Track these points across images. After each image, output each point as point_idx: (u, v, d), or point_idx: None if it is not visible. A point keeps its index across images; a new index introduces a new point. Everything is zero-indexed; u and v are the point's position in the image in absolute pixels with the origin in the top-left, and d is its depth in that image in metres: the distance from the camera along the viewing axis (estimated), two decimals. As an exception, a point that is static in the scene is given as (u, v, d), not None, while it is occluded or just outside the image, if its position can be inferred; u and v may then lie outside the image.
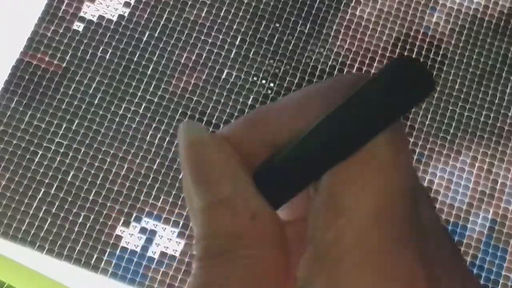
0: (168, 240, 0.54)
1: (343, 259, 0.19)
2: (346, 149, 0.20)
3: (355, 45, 0.60)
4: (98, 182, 0.55)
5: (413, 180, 0.21)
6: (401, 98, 0.20)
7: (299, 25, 0.60)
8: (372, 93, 0.20)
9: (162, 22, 0.59)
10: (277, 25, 0.60)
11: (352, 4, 0.60)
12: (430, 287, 0.19)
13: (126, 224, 0.54)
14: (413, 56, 0.59)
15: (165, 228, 0.54)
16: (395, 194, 0.20)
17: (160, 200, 0.55)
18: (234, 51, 0.59)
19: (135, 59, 0.58)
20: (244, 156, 0.22)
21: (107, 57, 0.58)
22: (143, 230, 0.54)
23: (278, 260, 0.21)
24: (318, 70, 0.59)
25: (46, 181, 0.55)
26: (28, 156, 0.55)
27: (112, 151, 0.56)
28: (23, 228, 0.54)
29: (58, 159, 0.55)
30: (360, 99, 0.20)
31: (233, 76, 0.58)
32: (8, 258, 0.53)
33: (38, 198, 0.54)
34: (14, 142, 0.55)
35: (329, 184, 0.20)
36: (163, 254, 0.54)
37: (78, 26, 0.59)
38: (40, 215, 0.54)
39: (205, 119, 0.57)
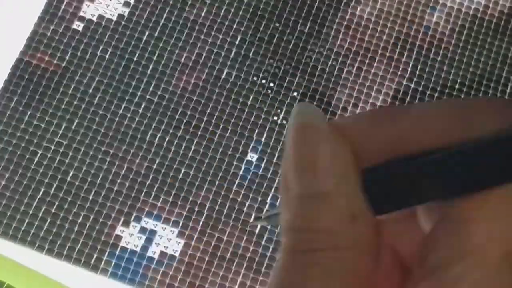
0: (168, 240, 0.54)
1: None
2: (483, 183, 0.19)
3: (355, 45, 0.59)
4: (97, 182, 0.55)
5: None
6: None
7: (299, 24, 0.60)
8: None
9: (162, 22, 0.59)
10: (277, 24, 0.60)
11: (352, 3, 0.60)
12: None
13: (126, 224, 0.54)
14: (414, 55, 0.59)
15: (165, 228, 0.54)
16: None
17: (160, 200, 0.55)
18: (234, 50, 0.59)
19: (134, 59, 0.58)
20: (358, 152, 0.20)
21: (107, 56, 0.58)
22: (142, 230, 0.54)
23: (368, 268, 0.20)
24: (318, 69, 0.59)
25: (46, 180, 0.55)
26: (27, 156, 0.55)
27: (111, 151, 0.56)
28: (23, 228, 0.54)
29: (57, 158, 0.55)
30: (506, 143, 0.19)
31: (233, 76, 0.58)
32: (7, 258, 0.53)
33: (38, 197, 0.54)
34: (14, 141, 0.55)
35: (459, 214, 0.19)
36: (163, 254, 0.54)
37: (78, 25, 0.59)
38: (40, 215, 0.54)
39: (205, 118, 0.57)
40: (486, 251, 0.18)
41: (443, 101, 0.21)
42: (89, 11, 0.59)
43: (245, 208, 0.55)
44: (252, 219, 0.55)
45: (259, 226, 0.54)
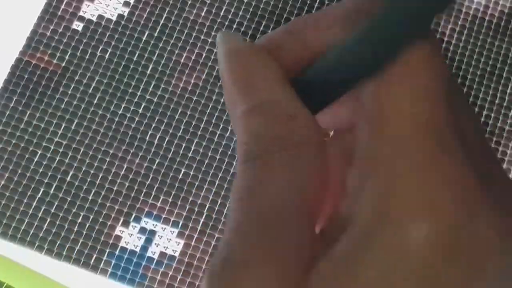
0: (168, 240, 0.54)
1: (392, 168, 0.19)
2: (384, 59, 0.21)
3: (355, 45, 0.59)
4: (97, 182, 0.55)
5: (448, 83, 0.21)
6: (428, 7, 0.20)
7: (299, 24, 0.60)
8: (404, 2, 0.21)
9: (161, 22, 0.59)
10: (277, 25, 0.60)
11: (352, 3, 0.60)
12: (482, 188, 0.19)
13: (125, 224, 0.54)
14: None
15: (165, 228, 0.54)
16: (433, 98, 0.20)
17: (160, 200, 0.55)
18: (234, 50, 0.59)
19: (134, 59, 0.58)
20: (282, 64, 0.22)
21: (107, 56, 0.58)
22: (142, 230, 0.54)
23: (318, 158, 0.21)
24: (318, 70, 0.58)
25: (45, 180, 0.55)
26: (27, 156, 0.55)
27: (111, 151, 0.56)
28: (22, 228, 0.54)
29: (57, 158, 0.55)
30: (393, 9, 0.20)
31: (233, 76, 0.58)
32: (7, 258, 0.53)
33: (37, 198, 0.54)
34: (13, 141, 0.55)
35: (368, 95, 0.21)
36: (162, 254, 0.54)
37: (78, 25, 0.59)
38: (39, 215, 0.54)
39: (205, 118, 0.57)
40: (394, 124, 0.20)
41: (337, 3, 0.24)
42: (88, 11, 0.59)
43: (245, 208, 0.55)
44: None
45: None
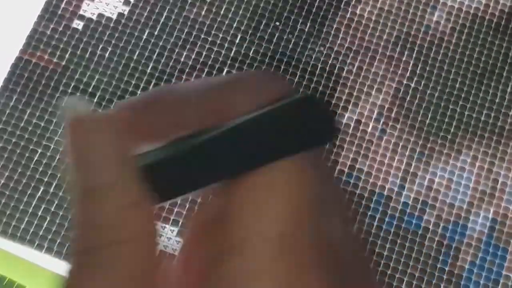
0: (168, 239, 0.54)
1: (249, 286, 0.18)
2: (253, 162, 0.19)
3: (356, 44, 0.59)
4: (97, 181, 0.55)
5: (316, 198, 0.20)
6: (312, 134, 0.20)
7: (299, 23, 0.60)
8: (281, 119, 0.19)
9: (161, 21, 0.59)
10: (277, 23, 0.59)
11: (353, 3, 0.60)
12: None
13: (125, 222, 0.54)
14: (414, 55, 0.59)
15: (165, 227, 0.54)
16: (297, 217, 0.19)
17: (160, 199, 0.55)
18: (234, 49, 0.59)
19: (134, 57, 0.58)
20: (135, 137, 0.20)
21: (107, 55, 0.58)
22: (142, 229, 0.54)
23: (151, 258, 0.19)
24: (319, 69, 0.58)
25: (45, 179, 0.55)
26: (27, 155, 0.55)
27: (111, 150, 0.56)
28: (22, 227, 0.54)
29: (57, 157, 0.55)
30: (270, 120, 0.19)
31: (233, 75, 0.58)
32: (8, 253, 0.53)
33: (37, 196, 0.54)
34: (13, 140, 0.55)
35: (229, 199, 0.19)
36: (162, 253, 0.54)
37: (78, 24, 0.59)
38: (39, 213, 0.54)
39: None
40: (257, 238, 0.19)
41: (203, 82, 0.21)
42: (89, 9, 0.59)
43: (245, 207, 0.55)
44: None
45: None
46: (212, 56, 0.58)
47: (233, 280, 0.18)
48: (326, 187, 0.21)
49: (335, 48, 0.59)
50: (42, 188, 0.54)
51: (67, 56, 0.58)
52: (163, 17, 0.59)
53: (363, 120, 0.58)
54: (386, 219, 0.55)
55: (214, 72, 0.58)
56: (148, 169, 0.19)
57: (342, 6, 0.60)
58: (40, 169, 0.55)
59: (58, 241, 0.53)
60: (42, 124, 0.56)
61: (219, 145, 0.19)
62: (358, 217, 0.56)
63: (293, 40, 0.59)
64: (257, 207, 0.19)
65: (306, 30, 0.59)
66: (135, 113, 0.20)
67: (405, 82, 0.59)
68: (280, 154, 0.19)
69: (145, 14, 0.59)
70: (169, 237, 0.54)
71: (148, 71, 0.58)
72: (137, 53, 0.58)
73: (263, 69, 0.58)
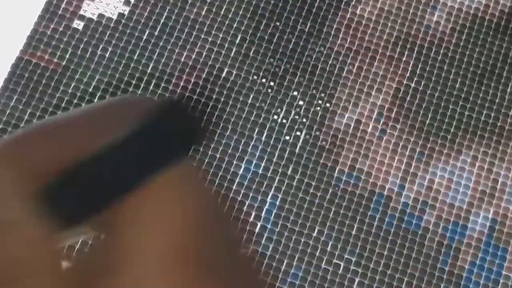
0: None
1: None
2: (122, 187, 0.19)
3: (356, 44, 0.59)
4: (97, 181, 0.55)
5: (203, 211, 0.20)
6: (175, 143, 0.20)
7: (300, 24, 0.60)
8: (151, 133, 0.20)
9: (162, 21, 0.59)
10: (278, 24, 0.60)
11: (353, 3, 0.60)
12: None
13: (126, 222, 0.54)
14: (414, 55, 0.59)
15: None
16: (180, 232, 0.19)
17: (160, 199, 0.55)
18: (234, 50, 0.59)
19: (135, 58, 0.58)
20: (28, 171, 0.20)
21: (107, 55, 0.58)
22: (142, 229, 0.54)
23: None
24: (319, 69, 0.59)
25: (46, 179, 0.55)
26: (27, 155, 0.55)
27: (111, 150, 0.56)
28: (22, 227, 0.54)
29: (57, 157, 0.55)
30: (135, 138, 0.19)
31: (233, 75, 0.58)
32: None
33: (37, 196, 0.54)
34: (14, 140, 0.55)
35: (111, 224, 0.19)
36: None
37: (78, 24, 0.59)
38: (39, 213, 0.54)
39: (205, 118, 0.57)
40: (141, 257, 0.19)
41: (85, 110, 0.22)
42: (89, 10, 0.59)
43: (245, 207, 0.55)
44: None
45: None
46: (212, 56, 0.58)
47: None
48: (203, 201, 0.21)
49: (335, 48, 0.59)
50: (42, 188, 0.54)
51: (67, 56, 0.58)
52: (163, 17, 0.59)
53: (363, 120, 0.58)
54: (386, 219, 0.55)
55: (215, 72, 0.58)
56: (46, 199, 0.19)
57: (342, 6, 0.60)
58: (41, 169, 0.55)
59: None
60: (43, 124, 0.56)
61: (91, 173, 0.19)
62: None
63: (293, 40, 0.59)
64: (141, 225, 0.19)
65: (306, 30, 0.59)
66: (24, 147, 0.20)
67: (405, 82, 0.59)
68: (154, 169, 0.19)
69: (145, 14, 0.59)
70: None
71: (149, 71, 0.58)
72: (137, 53, 0.58)
73: (263, 69, 0.58)
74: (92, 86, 0.57)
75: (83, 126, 0.21)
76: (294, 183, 0.56)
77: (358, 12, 0.60)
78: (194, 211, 0.20)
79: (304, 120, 0.57)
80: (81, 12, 0.59)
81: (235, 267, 0.21)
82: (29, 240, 0.19)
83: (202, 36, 0.59)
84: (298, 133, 0.57)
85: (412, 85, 0.59)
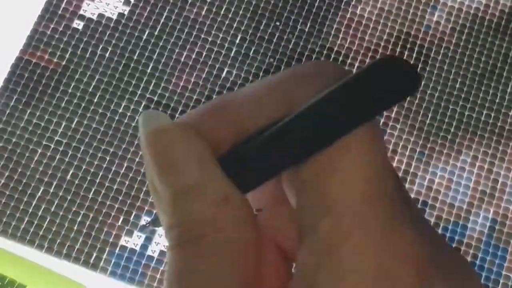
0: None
1: (344, 245, 0.19)
2: (326, 140, 0.20)
3: (356, 44, 0.59)
4: (97, 181, 0.55)
5: (389, 164, 0.21)
6: (386, 93, 0.20)
7: (300, 23, 0.60)
8: (357, 87, 0.20)
9: (162, 21, 0.59)
10: (278, 23, 0.60)
11: (353, 3, 0.60)
12: (432, 260, 0.19)
13: (126, 222, 0.54)
14: (414, 55, 0.59)
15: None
16: (380, 174, 0.20)
17: (160, 199, 0.55)
18: (234, 49, 0.59)
19: (135, 58, 0.58)
20: (209, 142, 0.21)
21: (107, 55, 0.58)
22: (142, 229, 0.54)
23: (252, 242, 0.21)
24: (319, 69, 0.58)
25: (45, 179, 0.55)
26: (27, 154, 0.55)
27: (111, 150, 0.56)
28: (22, 227, 0.54)
29: (57, 157, 0.55)
30: (343, 92, 0.20)
31: (233, 75, 0.58)
32: (9, 252, 0.53)
33: (37, 196, 0.54)
34: (13, 140, 0.55)
35: (313, 174, 0.20)
36: (162, 253, 0.54)
37: (78, 24, 0.59)
38: (39, 213, 0.54)
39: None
40: (344, 200, 0.19)
41: (266, 79, 0.23)
42: (89, 9, 0.59)
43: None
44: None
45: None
46: (213, 56, 0.58)
47: (329, 240, 0.19)
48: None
49: (336, 48, 0.59)
50: (42, 188, 0.54)
51: (67, 56, 0.58)
52: (163, 17, 0.59)
53: (363, 120, 0.57)
54: (386, 219, 0.55)
55: (215, 72, 0.58)
56: (231, 166, 0.21)
57: (342, 6, 0.60)
58: (40, 169, 0.55)
59: (58, 241, 0.53)
60: (43, 124, 0.56)
61: (293, 129, 0.21)
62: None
63: (293, 40, 0.59)
64: (343, 171, 0.20)
65: (306, 30, 0.59)
66: (206, 119, 0.22)
67: (405, 82, 0.59)
68: (354, 122, 0.20)
69: (146, 14, 0.59)
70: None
71: (149, 71, 0.58)
72: (137, 53, 0.58)
73: (263, 69, 0.58)
74: (92, 86, 0.57)
75: (270, 93, 0.22)
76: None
77: (358, 12, 0.60)
78: (387, 161, 0.21)
79: (304, 120, 0.57)
80: (81, 12, 0.59)
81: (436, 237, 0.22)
82: (216, 200, 0.20)
83: (202, 36, 0.59)
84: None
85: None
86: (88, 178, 0.55)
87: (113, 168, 0.55)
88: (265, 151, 0.21)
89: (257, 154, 0.21)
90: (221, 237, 0.20)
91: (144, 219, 0.54)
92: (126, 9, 0.59)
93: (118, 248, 0.54)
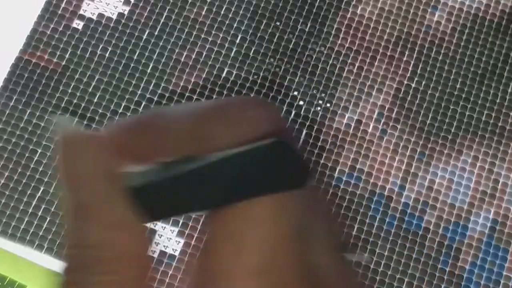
0: (168, 239, 0.54)
1: None
2: (231, 196, 0.20)
3: (356, 44, 0.59)
4: (97, 181, 0.55)
5: (299, 229, 0.20)
6: (278, 178, 0.20)
7: (300, 24, 0.59)
8: (256, 160, 0.20)
9: (162, 21, 0.59)
10: (278, 23, 0.59)
11: (353, 3, 0.60)
12: None
13: (126, 223, 0.54)
14: (415, 55, 0.59)
15: (165, 227, 0.54)
16: (276, 248, 0.19)
17: (160, 199, 0.55)
18: (234, 49, 0.59)
19: (134, 58, 0.58)
20: (123, 160, 0.20)
21: (107, 55, 0.58)
22: (142, 229, 0.54)
23: (140, 280, 0.19)
24: (319, 69, 0.58)
25: (45, 179, 0.55)
26: (27, 154, 0.55)
27: (111, 150, 0.56)
28: (22, 227, 0.53)
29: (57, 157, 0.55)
30: (246, 159, 0.20)
31: (234, 75, 0.58)
32: (9, 252, 0.53)
33: (37, 196, 0.54)
34: (13, 140, 0.55)
35: (215, 231, 0.20)
36: (162, 253, 0.54)
37: (78, 24, 0.58)
38: (39, 213, 0.54)
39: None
40: (234, 272, 0.19)
41: (191, 107, 0.22)
42: (89, 9, 0.59)
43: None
44: None
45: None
46: (213, 56, 0.58)
47: None
48: (311, 217, 0.21)
49: (336, 48, 0.59)
50: (42, 188, 0.54)
51: (67, 56, 0.58)
52: (163, 17, 0.59)
53: (363, 121, 0.57)
54: (387, 220, 0.55)
55: (215, 72, 0.58)
56: (135, 190, 0.20)
57: (342, 6, 0.60)
58: (40, 169, 0.55)
59: (58, 241, 0.53)
60: (42, 124, 0.56)
61: (198, 177, 0.20)
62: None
63: (293, 41, 0.59)
64: (238, 240, 0.19)
65: (307, 30, 0.59)
66: (124, 135, 0.20)
67: (405, 82, 0.59)
68: (260, 190, 0.20)
69: (145, 14, 0.59)
70: (169, 237, 0.54)
71: (149, 71, 0.58)
72: (137, 53, 0.58)
73: (263, 69, 0.58)
74: (92, 86, 0.57)
75: (188, 125, 0.20)
76: (295, 184, 0.55)
77: (358, 12, 0.60)
78: (292, 233, 0.20)
79: (304, 120, 0.57)
80: (81, 12, 0.59)
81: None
82: (110, 223, 0.19)
83: (202, 36, 0.59)
84: (298, 133, 0.57)
85: (413, 85, 0.58)
86: (88, 178, 0.55)
87: (113, 168, 0.55)
88: (172, 188, 0.20)
89: (164, 188, 0.20)
90: (108, 270, 0.19)
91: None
92: (126, 9, 0.59)
93: (118, 249, 0.54)
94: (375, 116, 0.58)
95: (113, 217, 0.19)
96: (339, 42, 0.59)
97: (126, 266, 0.19)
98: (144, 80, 0.57)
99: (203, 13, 0.59)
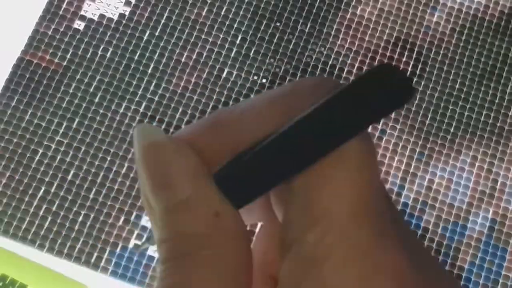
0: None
1: (328, 259, 0.19)
2: (318, 153, 0.20)
3: (356, 45, 0.60)
4: (98, 181, 0.55)
5: (378, 177, 0.21)
6: (380, 103, 0.20)
7: (300, 24, 0.60)
8: (350, 98, 0.20)
9: (163, 21, 0.59)
10: (278, 24, 0.60)
11: (353, 3, 0.60)
12: (415, 276, 0.19)
13: (127, 222, 0.54)
14: (414, 55, 0.59)
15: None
16: (371, 191, 0.20)
17: (161, 199, 0.55)
18: (234, 50, 0.59)
19: (135, 58, 0.58)
20: (204, 158, 0.22)
21: (108, 56, 0.58)
22: (143, 229, 0.54)
23: (243, 258, 0.21)
24: (319, 69, 0.59)
25: (47, 179, 0.55)
26: (28, 155, 0.55)
27: (112, 150, 0.56)
28: (24, 227, 0.54)
29: (58, 157, 0.55)
30: (336, 103, 0.20)
31: (234, 76, 0.58)
32: (11, 252, 0.53)
33: (39, 196, 0.54)
34: (15, 140, 0.55)
35: (303, 187, 0.20)
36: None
37: (79, 24, 0.59)
38: (41, 213, 0.54)
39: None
40: (332, 214, 0.20)
41: (264, 93, 0.23)
42: (90, 10, 0.59)
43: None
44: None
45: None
46: (213, 57, 0.59)
47: (313, 253, 0.19)
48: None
49: (335, 49, 0.59)
50: (43, 188, 0.55)
51: (68, 56, 0.58)
52: (164, 17, 0.59)
53: (363, 121, 0.58)
54: (386, 219, 0.55)
55: (215, 73, 0.58)
56: (225, 181, 0.21)
57: (342, 7, 0.60)
58: (42, 169, 0.55)
59: (59, 241, 0.54)
60: (44, 125, 0.56)
61: (285, 142, 0.21)
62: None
63: (293, 41, 0.59)
64: (332, 185, 0.20)
65: (307, 30, 0.60)
66: (203, 136, 0.22)
67: (405, 82, 0.59)
68: (348, 133, 0.20)
69: (146, 14, 0.59)
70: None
71: (149, 71, 0.58)
72: (138, 54, 0.58)
73: (263, 70, 0.58)
74: (93, 87, 0.57)
75: (262, 111, 0.22)
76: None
77: (358, 12, 0.60)
78: (377, 178, 0.21)
79: (304, 120, 0.57)
80: (82, 13, 0.59)
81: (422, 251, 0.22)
82: (204, 217, 0.21)
83: (203, 37, 0.59)
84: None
85: (412, 85, 0.59)
86: (89, 178, 0.55)
87: (114, 169, 0.55)
88: (258, 165, 0.21)
89: (250, 168, 0.21)
90: (213, 252, 0.20)
91: (145, 219, 0.55)
92: (127, 10, 0.59)
93: (119, 248, 0.54)
94: (374, 116, 0.58)
95: (210, 209, 0.21)
96: (338, 42, 0.60)
97: (232, 246, 0.21)
98: (145, 80, 0.58)
99: (204, 14, 0.60)
